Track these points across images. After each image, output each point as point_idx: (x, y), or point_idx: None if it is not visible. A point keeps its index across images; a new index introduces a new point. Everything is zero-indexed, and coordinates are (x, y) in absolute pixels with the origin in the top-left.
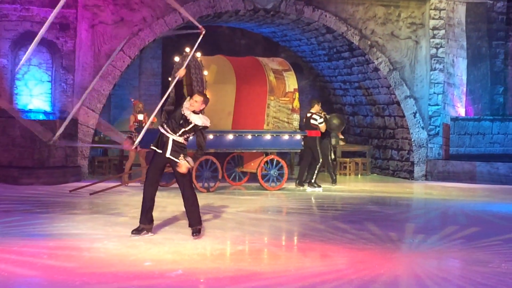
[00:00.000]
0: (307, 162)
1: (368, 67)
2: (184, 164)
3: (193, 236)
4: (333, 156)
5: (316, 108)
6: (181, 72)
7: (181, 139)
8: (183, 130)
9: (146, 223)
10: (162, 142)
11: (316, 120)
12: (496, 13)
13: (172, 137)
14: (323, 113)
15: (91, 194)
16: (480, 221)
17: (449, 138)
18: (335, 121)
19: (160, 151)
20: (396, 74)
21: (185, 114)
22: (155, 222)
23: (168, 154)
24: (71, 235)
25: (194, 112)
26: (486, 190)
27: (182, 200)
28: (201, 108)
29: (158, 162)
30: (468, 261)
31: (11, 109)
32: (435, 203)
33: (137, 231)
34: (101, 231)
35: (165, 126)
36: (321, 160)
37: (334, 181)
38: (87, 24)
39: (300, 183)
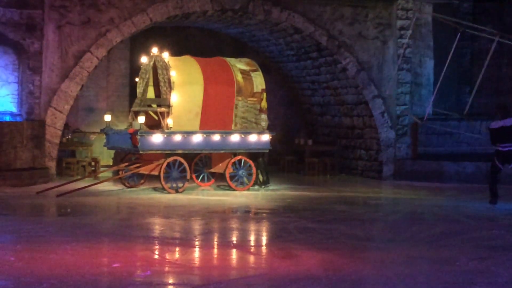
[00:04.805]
0: None
1: (336, 67)
2: None
3: None
4: None
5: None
6: None
7: None
8: None
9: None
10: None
11: None
12: (463, 14)
13: None
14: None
15: (58, 196)
16: (448, 220)
17: (417, 138)
18: None
19: None
20: (364, 74)
21: None
22: (120, 224)
23: None
24: (38, 237)
25: None
26: (453, 189)
27: (150, 201)
28: None
29: None
30: (435, 260)
31: None
32: (403, 202)
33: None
34: (69, 232)
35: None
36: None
37: (263, 183)
38: (54, 25)
39: None
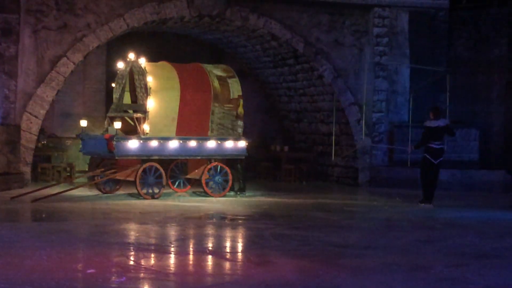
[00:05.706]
0: None
1: (313, 74)
2: None
3: None
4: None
5: None
6: None
7: None
8: None
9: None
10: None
11: None
12: (439, 22)
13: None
14: None
15: (32, 201)
16: (423, 227)
17: (393, 145)
18: None
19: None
20: (340, 81)
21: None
22: (95, 230)
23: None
24: (13, 242)
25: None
26: None
27: (126, 206)
28: None
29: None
30: (411, 267)
31: None
32: (379, 209)
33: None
34: (43, 238)
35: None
36: None
37: (239, 190)
38: (30, 30)
39: None
